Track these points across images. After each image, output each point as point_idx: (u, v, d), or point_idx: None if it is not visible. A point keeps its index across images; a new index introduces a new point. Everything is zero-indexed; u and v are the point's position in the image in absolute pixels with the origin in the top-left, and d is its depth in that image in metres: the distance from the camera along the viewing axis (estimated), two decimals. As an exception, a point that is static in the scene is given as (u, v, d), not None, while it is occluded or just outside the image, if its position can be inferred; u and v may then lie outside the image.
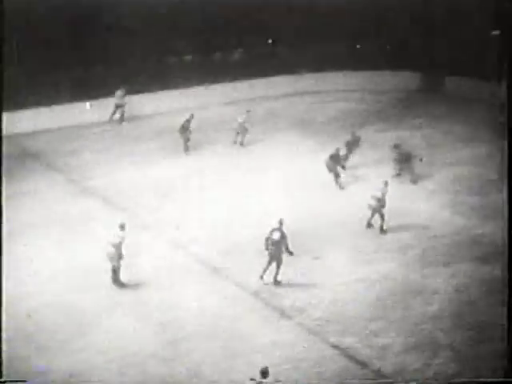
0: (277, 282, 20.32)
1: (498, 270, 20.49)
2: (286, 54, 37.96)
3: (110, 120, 33.34)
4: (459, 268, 20.87)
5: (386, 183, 23.15)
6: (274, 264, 20.24)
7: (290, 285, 20.33)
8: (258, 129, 31.98)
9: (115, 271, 20.36)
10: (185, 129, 29.78)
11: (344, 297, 19.71)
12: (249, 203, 25.02)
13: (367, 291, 19.93)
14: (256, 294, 20.01)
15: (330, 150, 26.52)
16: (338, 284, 20.30)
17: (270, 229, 20.41)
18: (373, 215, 23.05)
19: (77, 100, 33.47)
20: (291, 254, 21.21)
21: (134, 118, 33.43)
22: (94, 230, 23.22)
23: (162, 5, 34.81)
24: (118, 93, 33.28)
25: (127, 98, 33.37)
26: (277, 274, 20.29)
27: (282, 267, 20.31)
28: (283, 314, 19.14)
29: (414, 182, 26.31)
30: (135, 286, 20.41)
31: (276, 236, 20.19)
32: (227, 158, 29.21)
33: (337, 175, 26.01)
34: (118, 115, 33.40)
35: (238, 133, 30.28)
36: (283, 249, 20.37)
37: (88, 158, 29.36)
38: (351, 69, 36.92)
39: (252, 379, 15.61)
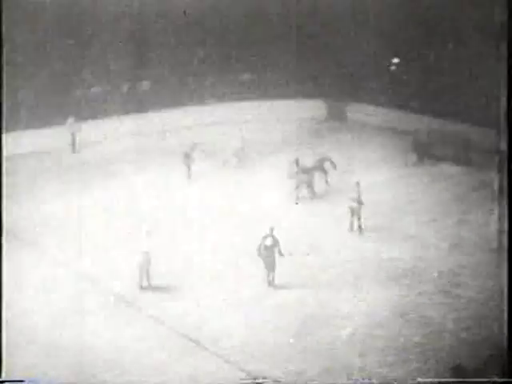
0: (272, 284, 21.75)
1: (405, 292, 21.14)
2: (194, 83, 38.18)
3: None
4: (369, 291, 21.33)
5: (358, 184, 24.87)
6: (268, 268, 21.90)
7: (203, 315, 20.39)
8: (172, 159, 32.26)
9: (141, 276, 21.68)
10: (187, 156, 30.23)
11: (258, 323, 19.88)
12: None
13: (281, 317, 20.15)
14: (171, 327, 20.01)
15: (240, 180, 26.85)
16: (252, 311, 20.47)
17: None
18: (353, 216, 24.73)
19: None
20: (282, 255, 22.02)
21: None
22: None
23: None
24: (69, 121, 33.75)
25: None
26: (272, 277, 21.89)
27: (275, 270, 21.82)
28: (198, 343, 19.17)
29: (312, 198, 27.29)
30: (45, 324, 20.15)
31: (268, 242, 21.80)
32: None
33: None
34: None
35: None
36: (276, 253, 21.87)
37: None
38: (259, 98, 37.41)
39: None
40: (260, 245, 21.94)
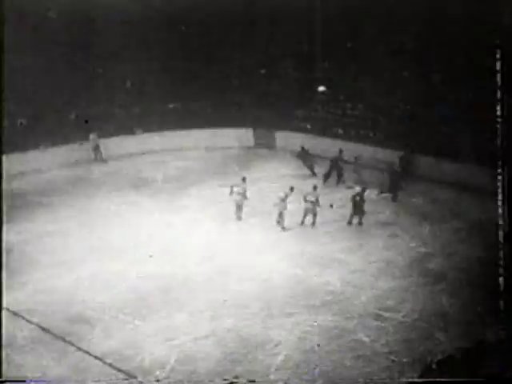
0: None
1: (336, 317, 21.37)
2: (121, 114, 38.07)
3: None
4: (300, 317, 21.49)
5: (315, 187, 27.66)
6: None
7: (136, 345, 20.21)
8: (98, 190, 31.99)
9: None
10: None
11: (191, 354, 19.80)
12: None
13: (214, 347, 20.13)
14: (102, 358, 19.79)
15: (171, 209, 26.89)
16: (185, 342, 20.40)
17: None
18: (305, 216, 27.23)
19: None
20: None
21: None
22: None
23: None
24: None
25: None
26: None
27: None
28: (130, 376, 18.99)
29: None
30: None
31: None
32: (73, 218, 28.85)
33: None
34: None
35: None
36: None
37: None
38: (187, 127, 37.53)
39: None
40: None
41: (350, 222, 27.42)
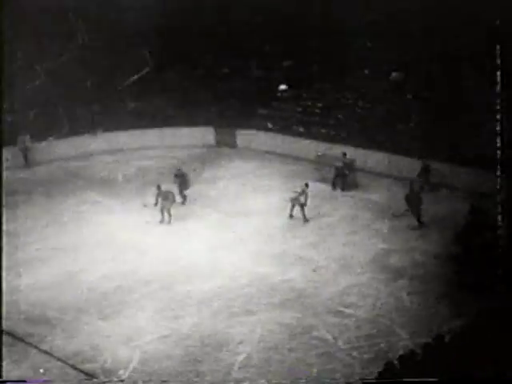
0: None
1: (298, 314, 21.47)
2: (82, 113, 37.83)
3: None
4: (262, 315, 21.55)
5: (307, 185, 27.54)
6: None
7: (98, 346, 20.15)
8: (58, 189, 31.73)
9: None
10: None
11: (153, 354, 19.75)
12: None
13: (176, 347, 20.12)
14: (63, 360, 19.68)
15: (133, 209, 26.89)
16: (147, 341, 20.36)
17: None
18: (293, 207, 27.27)
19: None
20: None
21: None
22: None
23: None
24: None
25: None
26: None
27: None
28: (93, 377, 18.91)
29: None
30: None
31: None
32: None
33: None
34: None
35: None
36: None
37: None
38: (148, 126, 37.43)
39: None
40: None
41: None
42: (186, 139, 37.16)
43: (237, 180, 32.63)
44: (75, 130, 36.62)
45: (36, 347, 20.20)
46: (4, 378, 17.32)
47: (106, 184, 32.61)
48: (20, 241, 26.38)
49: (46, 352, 19.99)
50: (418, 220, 26.72)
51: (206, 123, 37.67)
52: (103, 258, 25.21)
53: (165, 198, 27.65)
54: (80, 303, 22.37)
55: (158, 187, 27.82)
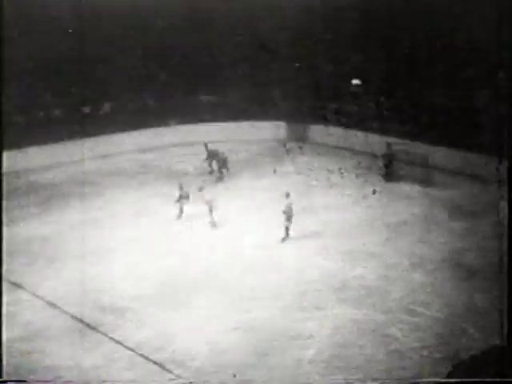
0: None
1: (369, 311, 21.26)
2: (154, 105, 38.24)
3: None
4: (332, 311, 21.42)
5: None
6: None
7: (167, 337, 20.29)
8: (131, 181, 32.05)
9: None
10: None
11: (221, 345, 19.84)
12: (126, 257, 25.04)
13: (244, 339, 20.14)
14: (133, 349, 19.91)
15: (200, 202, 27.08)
16: (216, 333, 20.42)
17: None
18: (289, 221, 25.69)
19: None
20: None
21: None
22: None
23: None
24: None
25: None
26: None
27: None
28: (163, 367, 19.08)
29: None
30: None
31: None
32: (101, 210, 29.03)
33: None
34: None
35: None
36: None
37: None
38: (221, 120, 37.58)
39: None
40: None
41: None
42: (258, 133, 37.18)
43: (307, 175, 32.48)
44: (149, 123, 37.04)
45: (107, 336, 20.48)
46: (4, 378, 17.49)
47: (177, 177, 32.78)
48: (89, 231, 26.79)
49: (116, 341, 20.24)
50: None
51: (278, 117, 37.62)
52: (173, 250, 25.42)
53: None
54: (151, 294, 22.59)
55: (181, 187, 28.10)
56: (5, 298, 21.19)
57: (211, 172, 31.99)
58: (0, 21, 19.57)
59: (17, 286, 23.22)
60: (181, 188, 28.00)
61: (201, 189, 27.36)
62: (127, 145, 36.31)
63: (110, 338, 20.36)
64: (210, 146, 32.80)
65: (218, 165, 31.51)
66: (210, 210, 27.00)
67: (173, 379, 18.53)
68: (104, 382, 17.81)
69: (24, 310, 21.75)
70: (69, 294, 22.62)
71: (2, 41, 19.46)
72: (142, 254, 25.26)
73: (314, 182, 31.65)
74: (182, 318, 21.29)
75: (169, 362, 19.20)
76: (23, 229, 27.17)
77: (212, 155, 31.88)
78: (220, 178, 30.93)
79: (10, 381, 17.36)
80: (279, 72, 38.44)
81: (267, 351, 19.55)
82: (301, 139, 37.51)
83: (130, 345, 20.00)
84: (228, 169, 31.63)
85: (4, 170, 31.96)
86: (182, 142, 36.95)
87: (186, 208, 27.84)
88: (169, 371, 18.87)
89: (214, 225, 27.06)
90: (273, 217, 26.93)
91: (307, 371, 18.71)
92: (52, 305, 22.14)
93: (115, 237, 26.62)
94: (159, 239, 26.39)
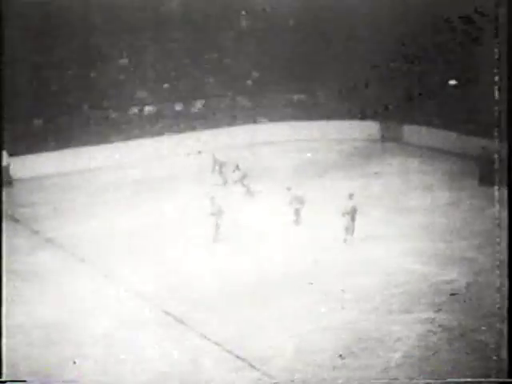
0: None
1: (458, 316, 20.79)
2: (246, 103, 38.42)
3: None
4: (421, 315, 21.04)
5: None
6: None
7: (254, 334, 20.30)
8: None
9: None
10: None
11: (308, 345, 19.71)
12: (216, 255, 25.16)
13: (331, 339, 19.97)
14: (220, 344, 19.98)
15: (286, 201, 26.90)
16: (302, 333, 20.32)
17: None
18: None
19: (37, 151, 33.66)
20: None
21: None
22: (51, 281, 23.28)
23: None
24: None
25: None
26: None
27: None
28: (249, 364, 19.09)
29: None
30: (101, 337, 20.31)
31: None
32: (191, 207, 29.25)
33: None
34: None
35: None
36: None
37: (48, 209, 29.37)
38: (312, 118, 37.44)
39: None
40: None
41: None
42: (350, 132, 36.89)
43: (400, 176, 32.02)
44: (239, 121, 37.26)
45: (195, 330, 20.63)
46: (4, 379, 17.59)
47: (267, 174, 32.83)
48: (183, 225, 27.10)
49: (203, 335, 20.37)
50: None
51: (372, 117, 37.20)
52: (264, 246, 25.45)
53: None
54: (239, 290, 22.66)
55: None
56: (99, 291, 21.82)
57: None
58: (1, 21, 19.82)
59: (107, 278, 23.69)
60: (288, 189, 27.64)
61: (289, 188, 27.30)
62: (218, 142, 36.49)
63: (198, 333, 20.49)
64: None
65: None
66: (297, 209, 26.92)
67: (259, 379, 18.56)
68: (104, 382, 17.87)
69: (114, 302, 22.13)
70: (159, 287, 22.92)
71: (2, 40, 19.74)
72: (230, 250, 25.35)
73: (407, 184, 31.19)
74: (270, 315, 21.24)
75: (254, 359, 19.20)
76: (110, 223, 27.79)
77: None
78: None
79: (10, 381, 17.51)
80: (372, 71, 38.01)
81: (354, 352, 19.34)
82: (394, 139, 37.01)
83: (217, 340, 20.10)
84: None
85: (92, 166, 33.02)
86: (273, 140, 36.94)
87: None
88: (254, 368, 18.88)
89: (297, 223, 26.96)
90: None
91: (394, 374, 18.41)
92: (142, 297, 22.46)
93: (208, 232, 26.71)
94: (247, 236, 26.40)
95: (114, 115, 36.22)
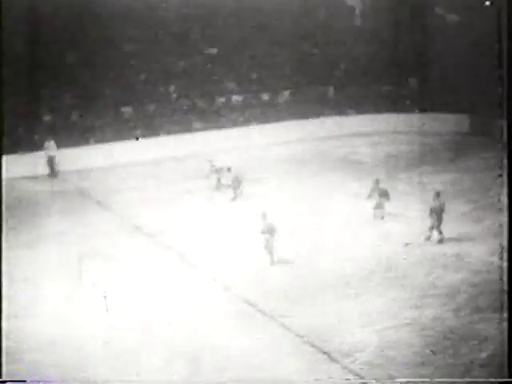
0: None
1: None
2: (334, 94, 38.19)
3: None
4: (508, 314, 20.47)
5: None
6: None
7: (336, 328, 20.15)
8: (307, 169, 32.10)
9: None
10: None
11: (391, 341, 19.45)
12: (297, 245, 25.05)
13: (415, 336, 19.66)
14: (302, 336, 19.90)
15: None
16: (385, 328, 20.07)
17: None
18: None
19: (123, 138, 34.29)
20: None
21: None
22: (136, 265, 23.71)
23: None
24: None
25: None
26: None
27: None
28: (329, 357, 18.95)
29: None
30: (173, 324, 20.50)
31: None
32: (275, 199, 29.18)
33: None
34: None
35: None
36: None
37: (136, 196, 29.78)
38: (400, 110, 36.94)
39: None
40: None
41: None
42: (439, 126, 36.22)
43: (490, 171, 31.23)
44: (327, 112, 37.08)
45: (277, 321, 20.60)
46: (4, 378, 17.62)
47: (352, 166, 32.55)
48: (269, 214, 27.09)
49: (285, 326, 20.32)
50: None
51: (462, 110, 36.44)
52: (349, 240, 25.26)
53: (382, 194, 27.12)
54: (322, 283, 22.51)
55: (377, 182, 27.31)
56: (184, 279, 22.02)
57: None
58: (0, 21, 19.96)
59: (193, 267, 23.90)
60: (376, 182, 27.22)
61: (377, 181, 26.98)
62: (304, 132, 36.41)
63: (280, 323, 20.45)
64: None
65: None
66: (378, 204, 26.61)
67: (339, 373, 18.40)
68: (106, 381, 17.84)
69: (198, 290, 22.31)
70: (243, 277, 23.01)
71: (2, 40, 19.87)
72: (316, 241, 25.22)
73: (497, 180, 30.38)
74: (355, 309, 21.06)
75: (336, 352, 19.05)
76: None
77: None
78: None
79: (10, 381, 17.63)
80: (465, 64, 37.27)
81: (437, 350, 18.97)
82: (485, 134, 36.10)
83: (299, 331, 20.01)
84: None
85: (183, 153, 33.36)
86: (360, 131, 36.58)
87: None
88: (335, 361, 18.74)
89: (382, 217, 26.64)
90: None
91: (477, 375, 17.98)
92: (225, 286, 22.57)
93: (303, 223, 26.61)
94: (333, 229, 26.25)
95: (204, 105, 36.55)
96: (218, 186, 30.12)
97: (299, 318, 20.58)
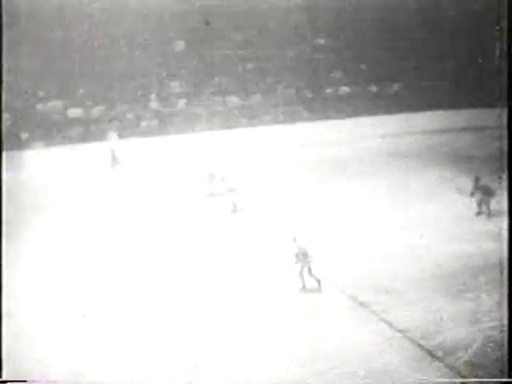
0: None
1: None
2: (447, 87, 37.34)
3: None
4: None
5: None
6: None
7: (439, 323, 19.63)
8: (415, 163, 31.47)
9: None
10: None
11: (498, 340, 18.90)
12: (403, 239, 24.59)
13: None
14: (404, 331, 19.44)
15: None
16: (492, 327, 19.51)
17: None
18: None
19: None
20: None
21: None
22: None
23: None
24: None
25: None
26: None
27: None
28: (431, 354, 18.46)
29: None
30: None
31: None
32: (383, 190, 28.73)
33: None
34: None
35: None
36: None
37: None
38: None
39: None
40: None
41: None
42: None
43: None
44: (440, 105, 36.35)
45: (378, 316, 20.25)
46: (4, 378, 17.49)
47: (462, 162, 31.71)
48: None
49: (386, 322, 19.95)
50: None
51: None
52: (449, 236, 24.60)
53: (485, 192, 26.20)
54: (426, 278, 22.00)
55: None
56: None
57: None
58: (0, 20, 19.94)
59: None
60: (477, 179, 26.60)
61: (478, 179, 26.23)
62: (414, 126, 35.77)
63: (381, 318, 20.09)
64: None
65: None
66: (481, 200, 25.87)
67: (438, 370, 17.91)
68: (106, 382, 17.61)
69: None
70: (344, 272, 22.69)
71: (1, 40, 19.83)
72: (416, 237, 24.65)
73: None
74: (455, 305, 20.52)
75: (438, 349, 18.56)
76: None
77: None
78: None
79: (10, 381, 17.61)
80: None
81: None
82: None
83: (400, 327, 19.62)
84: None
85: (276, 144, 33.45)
86: (475, 125, 35.54)
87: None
88: (435, 358, 18.25)
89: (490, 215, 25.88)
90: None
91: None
92: (328, 279, 22.35)
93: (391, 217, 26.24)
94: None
95: (311, 95, 36.43)
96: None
97: (401, 313, 20.15)
